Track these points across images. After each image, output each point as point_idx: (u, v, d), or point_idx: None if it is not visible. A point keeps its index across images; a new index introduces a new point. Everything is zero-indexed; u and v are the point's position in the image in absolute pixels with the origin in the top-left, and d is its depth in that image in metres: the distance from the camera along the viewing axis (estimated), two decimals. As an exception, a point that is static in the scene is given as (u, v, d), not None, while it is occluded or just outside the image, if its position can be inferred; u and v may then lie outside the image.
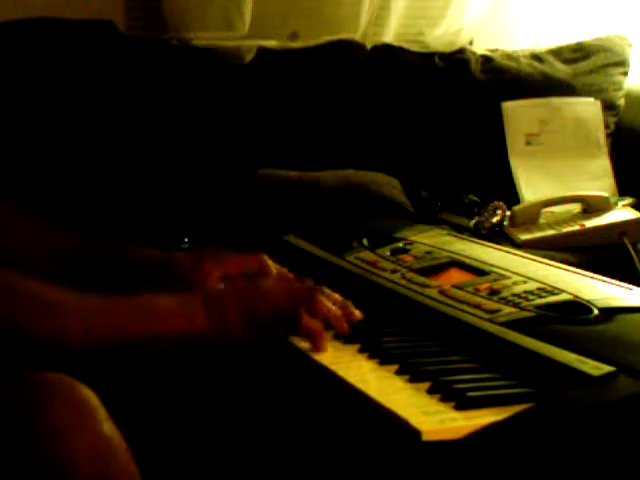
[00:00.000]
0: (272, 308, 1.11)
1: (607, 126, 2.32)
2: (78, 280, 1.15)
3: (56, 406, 0.86)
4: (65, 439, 0.84)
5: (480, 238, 1.67)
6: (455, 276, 1.30)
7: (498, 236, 1.88)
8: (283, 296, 1.13)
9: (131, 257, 1.28)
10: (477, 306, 1.15)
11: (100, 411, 0.88)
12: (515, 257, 1.39)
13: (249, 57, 2.29)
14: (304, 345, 1.11)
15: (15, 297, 0.97)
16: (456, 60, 2.42)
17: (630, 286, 1.21)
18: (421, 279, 1.29)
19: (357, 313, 1.17)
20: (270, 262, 1.30)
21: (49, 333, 0.97)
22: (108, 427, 0.88)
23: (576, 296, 1.15)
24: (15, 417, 0.86)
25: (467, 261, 1.34)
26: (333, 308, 1.14)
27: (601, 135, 2.29)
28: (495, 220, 1.94)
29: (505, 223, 1.93)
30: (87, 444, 0.85)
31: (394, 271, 1.35)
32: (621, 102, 2.38)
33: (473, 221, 1.97)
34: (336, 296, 1.17)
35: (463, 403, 0.91)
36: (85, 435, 0.85)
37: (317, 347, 1.09)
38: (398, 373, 1.02)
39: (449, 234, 1.59)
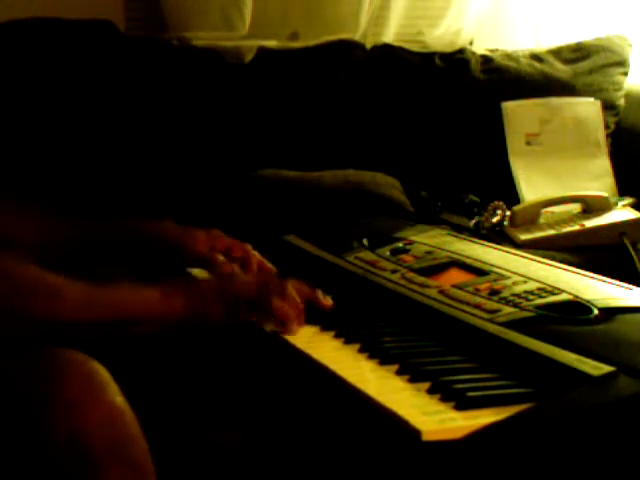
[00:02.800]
0: (245, 296, 1.20)
1: (607, 126, 2.32)
2: (73, 262, 1.26)
3: (70, 379, 0.89)
4: (79, 411, 0.87)
5: (480, 238, 1.67)
6: (455, 276, 1.30)
7: (498, 236, 1.88)
8: (253, 285, 1.22)
9: (122, 229, 1.38)
10: (477, 306, 1.15)
11: (112, 385, 0.92)
12: (515, 257, 1.39)
13: (249, 57, 2.29)
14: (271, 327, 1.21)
15: (15, 281, 1.03)
16: (456, 60, 2.42)
17: (630, 286, 1.21)
18: (421, 279, 1.29)
19: (329, 299, 1.25)
20: (254, 252, 1.40)
21: (48, 315, 1.04)
22: (120, 399, 0.90)
23: (576, 296, 1.15)
24: (30, 391, 0.89)
25: (467, 261, 1.34)
26: (306, 289, 1.24)
27: (601, 135, 2.29)
28: (495, 220, 1.94)
29: (505, 223, 1.93)
30: (100, 415, 0.88)
31: (394, 271, 1.35)
32: (621, 102, 2.38)
33: (473, 221, 1.97)
34: (304, 288, 1.25)
35: (463, 403, 0.91)
36: (98, 406, 0.89)
37: (286, 330, 1.19)
38: (398, 373, 1.02)
39: (449, 234, 1.59)
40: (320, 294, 1.25)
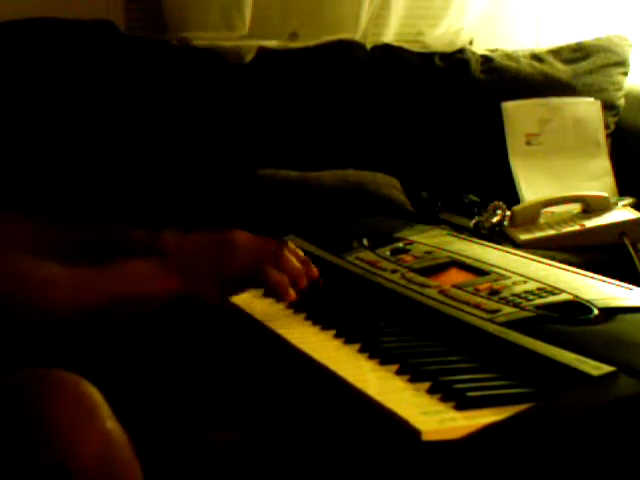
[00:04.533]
0: (241, 266, 1.19)
1: (607, 126, 2.32)
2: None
3: (60, 402, 0.86)
4: (69, 435, 0.85)
5: (480, 238, 1.67)
6: (455, 276, 1.30)
7: (498, 236, 1.88)
8: (251, 254, 1.21)
9: (118, 239, 1.34)
10: (477, 306, 1.15)
11: (104, 407, 0.89)
12: (515, 257, 1.39)
13: (249, 57, 2.29)
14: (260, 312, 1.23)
15: (8, 271, 1.04)
16: (456, 60, 2.42)
17: (630, 286, 1.21)
18: (421, 279, 1.29)
19: (315, 270, 1.27)
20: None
21: (42, 304, 1.04)
22: (112, 424, 0.88)
23: (576, 296, 1.15)
24: (19, 414, 0.86)
25: (467, 261, 1.34)
26: (297, 265, 1.23)
27: (601, 135, 2.29)
28: (495, 220, 1.94)
29: (505, 223, 1.93)
30: (91, 440, 0.85)
31: (394, 271, 1.35)
32: (621, 102, 2.38)
33: (473, 221, 1.97)
34: (299, 253, 1.26)
35: (463, 403, 0.91)
36: (89, 431, 0.86)
37: (284, 298, 1.22)
38: (398, 373, 1.02)
39: (449, 234, 1.59)
40: (303, 276, 1.25)
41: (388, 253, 1.44)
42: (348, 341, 1.14)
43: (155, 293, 1.14)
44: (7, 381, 0.90)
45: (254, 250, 1.22)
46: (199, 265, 1.17)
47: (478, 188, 2.14)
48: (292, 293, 1.21)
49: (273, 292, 1.24)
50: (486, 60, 2.42)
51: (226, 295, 1.21)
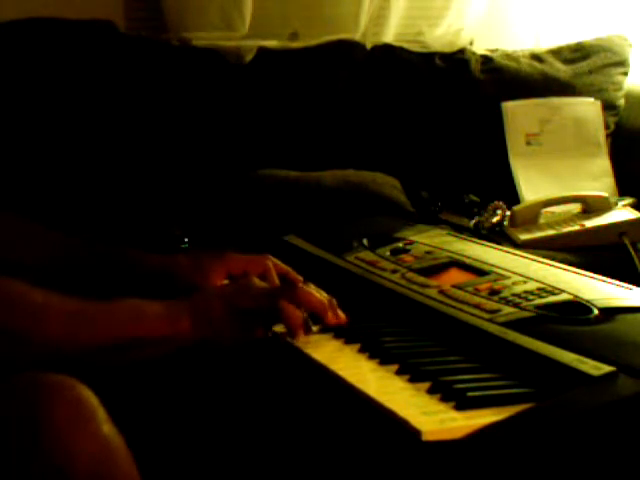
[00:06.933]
0: (254, 305, 1.11)
1: (607, 126, 2.32)
2: (75, 287, 1.16)
3: (56, 406, 0.86)
4: (65, 439, 0.84)
5: (480, 238, 1.67)
6: (455, 276, 1.30)
7: (498, 236, 1.88)
8: (264, 292, 1.14)
9: (132, 263, 1.29)
10: (477, 306, 1.15)
11: (100, 412, 0.88)
12: (515, 257, 1.39)
13: (249, 57, 2.29)
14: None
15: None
16: (456, 60, 2.42)
17: (630, 286, 1.21)
18: (421, 279, 1.29)
19: (342, 314, 1.16)
20: (272, 264, 1.31)
21: (29, 333, 0.98)
22: (108, 428, 0.88)
23: (576, 296, 1.15)
24: (15, 417, 0.86)
25: (467, 261, 1.34)
26: (318, 296, 1.14)
27: (601, 135, 2.29)
28: (495, 220, 1.94)
29: (505, 223, 1.93)
30: (87, 445, 0.85)
31: (394, 271, 1.35)
32: (621, 102, 2.38)
33: (473, 221, 1.97)
34: (323, 292, 1.17)
35: (463, 403, 0.91)
36: (85, 436, 0.85)
37: (293, 335, 1.11)
38: (398, 373, 1.02)
39: (449, 234, 1.59)
40: (327, 308, 1.15)
41: (388, 253, 1.44)
42: (348, 341, 1.14)
43: (162, 336, 1.05)
44: (3, 384, 0.90)
45: (266, 290, 1.15)
46: (213, 309, 1.09)
47: (478, 188, 2.14)
48: (300, 333, 1.12)
49: (288, 327, 1.13)
50: (486, 60, 2.42)
51: (242, 338, 1.12)
